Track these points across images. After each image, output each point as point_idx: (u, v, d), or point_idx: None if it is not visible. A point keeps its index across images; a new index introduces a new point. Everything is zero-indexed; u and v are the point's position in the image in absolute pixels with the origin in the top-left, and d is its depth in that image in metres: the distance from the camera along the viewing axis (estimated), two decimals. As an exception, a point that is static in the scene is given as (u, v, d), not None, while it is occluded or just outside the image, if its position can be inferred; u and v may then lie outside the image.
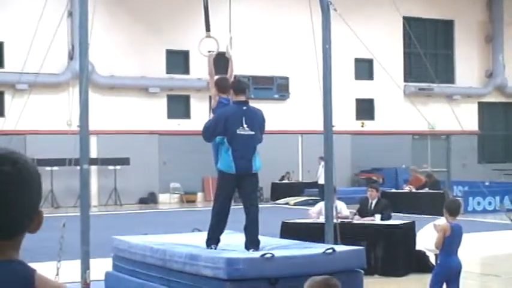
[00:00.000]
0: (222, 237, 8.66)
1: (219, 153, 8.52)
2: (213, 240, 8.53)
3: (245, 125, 8.40)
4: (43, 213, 1.95)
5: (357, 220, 12.50)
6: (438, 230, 7.92)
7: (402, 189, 24.74)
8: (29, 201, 1.91)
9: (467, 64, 36.27)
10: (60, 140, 25.15)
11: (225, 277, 7.48)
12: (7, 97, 26.87)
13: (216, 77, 9.44)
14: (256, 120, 8.60)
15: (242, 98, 8.66)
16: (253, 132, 8.45)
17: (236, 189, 8.69)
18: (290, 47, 31.46)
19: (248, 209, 8.54)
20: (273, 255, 7.66)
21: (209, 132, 8.63)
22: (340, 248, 8.39)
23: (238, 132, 8.37)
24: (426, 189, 22.96)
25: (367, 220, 12.41)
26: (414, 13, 33.54)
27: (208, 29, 10.03)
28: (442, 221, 8.34)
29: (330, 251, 7.97)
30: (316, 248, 8.33)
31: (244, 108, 8.55)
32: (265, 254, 7.66)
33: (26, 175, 1.90)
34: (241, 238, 8.63)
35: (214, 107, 9.25)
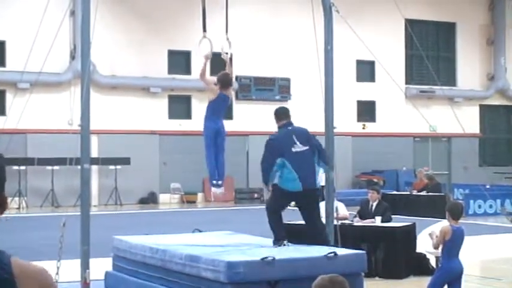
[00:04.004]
0: (223, 237, 8.66)
1: (281, 175, 8.70)
2: (280, 239, 8.70)
3: (298, 142, 8.79)
4: (7, 198, 2.09)
5: (358, 222, 12.48)
6: (433, 238, 7.95)
7: (405, 192, 24.71)
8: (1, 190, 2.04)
9: (469, 67, 36.25)
10: (61, 139, 25.16)
11: (225, 280, 7.45)
12: (8, 96, 26.87)
13: (220, 73, 9.56)
14: (305, 136, 9.00)
15: (286, 121, 9.12)
16: (307, 147, 8.82)
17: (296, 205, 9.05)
18: (292, 48, 31.45)
19: (314, 230, 8.89)
20: (273, 258, 7.63)
21: (267, 163, 8.83)
22: (341, 251, 8.36)
23: (293, 150, 8.73)
24: (424, 192, 22.92)
25: (367, 222, 12.39)
26: (416, 15, 33.51)
27: (205, 29, 10.07)
28: (443, 223, 8.32)
29: (332, 254, 7.95)
30: (317, 251, 8.30)
31: (290, 128, 9.03)
32: (266, 257, 7.63)
33: None
34: (242, 239, 8.62)
35: (212, 100, 9.36)
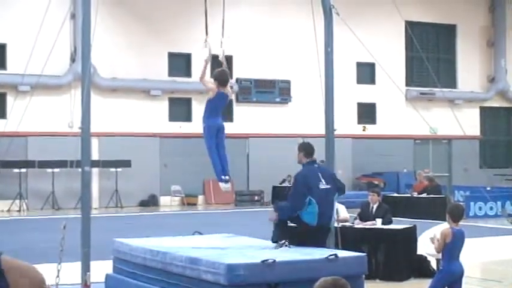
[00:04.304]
0: (224, 240, 8.66)
1: (304, 209, 8.87)
2: (281, 239, 8.87)
3: (323, 180, 9.04)
4: None
5: (358, 224, 12.48)
6: (435, 242, 7.93)
7: (406, 194, 24.69)
8: None
9: (469, 69, 36.24)
10: (62, 142, 25.20)
11: (225, 283, 7.44)
12: (9, 99, 26.88)
13: (216, 71, 9.61)
14: (328, 175, 9.25)
15: (312, 159, 9.37)
16: (329, 186, 9.07)
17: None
18: (292, 50, 31.46)
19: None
20: (274, 261, 7.62)
21: (298, 202, 8.97)
22: (342, 253, 8.36)
23: (320, 187, 8.97)
24: (424, 194, 22.89)
25: (368, 224, 12.39)
26: (416, 17, 33.54)
27: (207, 33, 10.10)
28: (444, 226, 8.32)
29: (333, 256, 7.95)
30: (318, 253, 8.30)
31: (316, 165, 9.32)
32: (266, 260, 7.62)
33: None
34: (242, 241, 8.62)
35: (210, 98, 9.42)
